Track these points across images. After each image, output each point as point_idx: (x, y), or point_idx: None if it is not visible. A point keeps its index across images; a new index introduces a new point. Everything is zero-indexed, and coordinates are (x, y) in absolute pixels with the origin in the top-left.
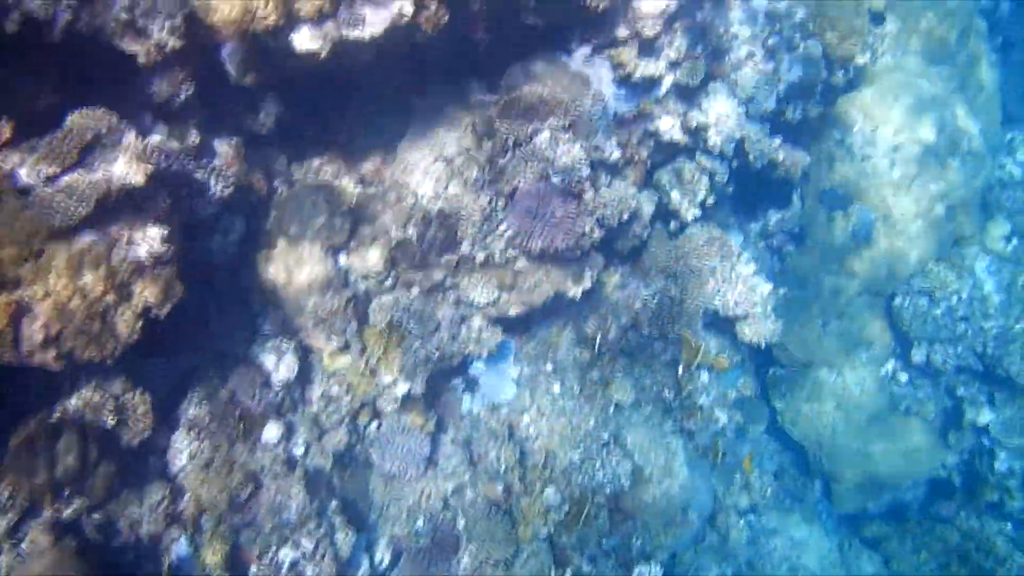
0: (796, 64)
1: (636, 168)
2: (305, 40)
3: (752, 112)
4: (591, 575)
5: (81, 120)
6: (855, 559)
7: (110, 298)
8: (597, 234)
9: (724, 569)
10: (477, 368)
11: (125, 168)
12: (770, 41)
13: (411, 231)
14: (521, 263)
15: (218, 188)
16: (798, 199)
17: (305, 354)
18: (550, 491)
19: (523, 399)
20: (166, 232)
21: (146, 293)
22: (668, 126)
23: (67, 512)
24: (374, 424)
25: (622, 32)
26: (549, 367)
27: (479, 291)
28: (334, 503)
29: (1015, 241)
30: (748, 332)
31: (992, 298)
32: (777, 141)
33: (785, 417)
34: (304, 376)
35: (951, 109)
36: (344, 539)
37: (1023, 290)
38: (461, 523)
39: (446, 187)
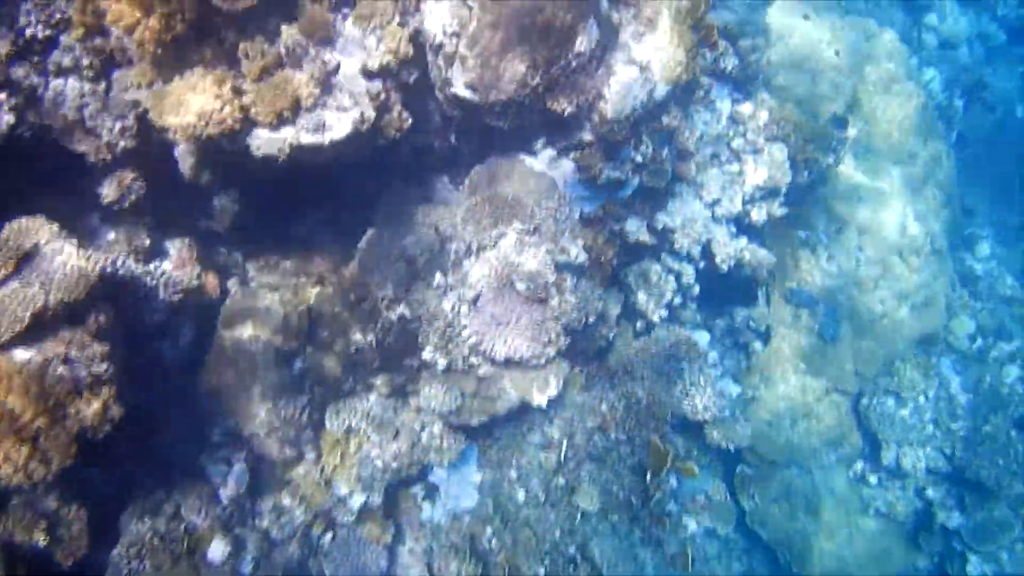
0: (761, 166)
1: (602, 268)
2: (263, 144)
3: (718, 215)
4: None
5: (18, 229)
6: None
7: (41, 422)
8: (563, 341)
9: None
10: (438, 475)
11: (64, 281)
12: (735, 143)
13: (370, 336)
14: (485, 369)
15: (167, 294)
16: (764, 297)
17: (257, 463)
18: None
19: (486, 507)
20: (106, 348)
21: (82, 415)
22: (634, 227)
23: None
24: (328, 536)
25: (587, 136)
26: (513, 473)
27: (441, 399)
28: None
29: (979, 340)
30: (717, 436)
31: (959, 398)
32: (743, 241)
33: (754, 518)
34: (255, 487)
35: (914, 208)
36: None
37: (989, 391)
38: None
39: (407, 289)
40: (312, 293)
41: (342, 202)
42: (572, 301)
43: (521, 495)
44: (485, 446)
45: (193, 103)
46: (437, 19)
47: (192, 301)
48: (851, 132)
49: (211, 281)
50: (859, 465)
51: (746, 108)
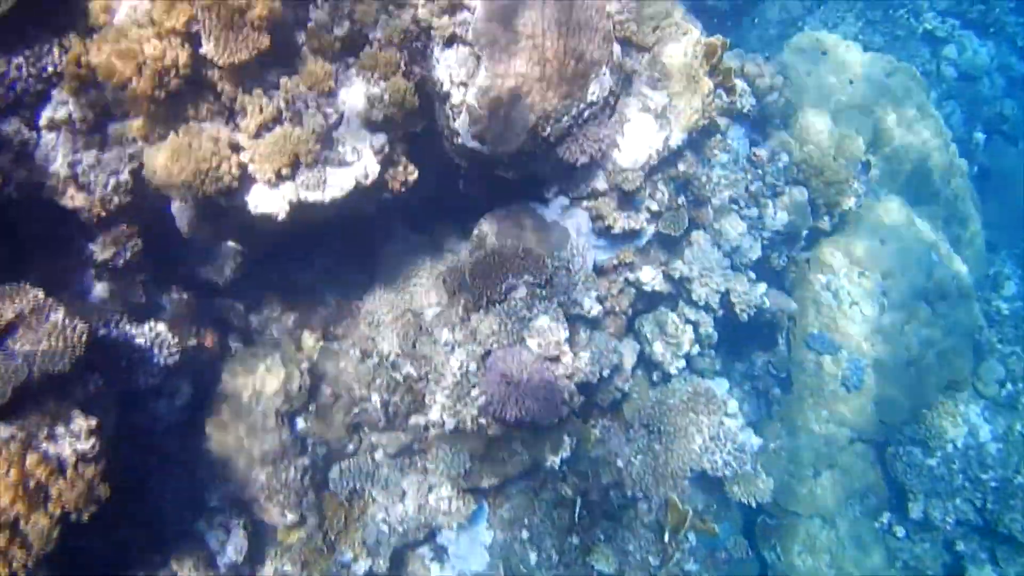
0: (781, 211)
1: (616, 319)
2: (261, 202)
3: (737, 262)
4: None
5: (1, 296)
6: None
7: (20, 508)
8: (577, 401)
9: None
10: (446, 536)
11: (50, 353)
12: (753, 187)
13: (375, 395)
14: (495, 429)
15: (162, 356)
16: (784, 342)
17: (256, 528)
18: None
19: (497, 570)
20: (93, 423)
21: (65, 497)
22: (650, 276)
23: None
24: None
25: (600, 184)
26: (525, 534)
27: (449, 460)
28: None
29: (1009, 386)
30: (738, 491)
31: (989, 447)
32: (763, 288)
33: (776, 572)
34: (255, 553)
35: (937, 250)
36: None
37: (1021, 439)
38: None
39: (414, 345)
40: (316, 348)
41: (347, 249)
42: (586, 357)
43: (533, 556)
44: (495, 504)
45: (188, 160)
46: (444, 68)
47: (190, 359)
48: (873, 173)
49: (210, 338)
50: (885, 517)
51: (764, 150)
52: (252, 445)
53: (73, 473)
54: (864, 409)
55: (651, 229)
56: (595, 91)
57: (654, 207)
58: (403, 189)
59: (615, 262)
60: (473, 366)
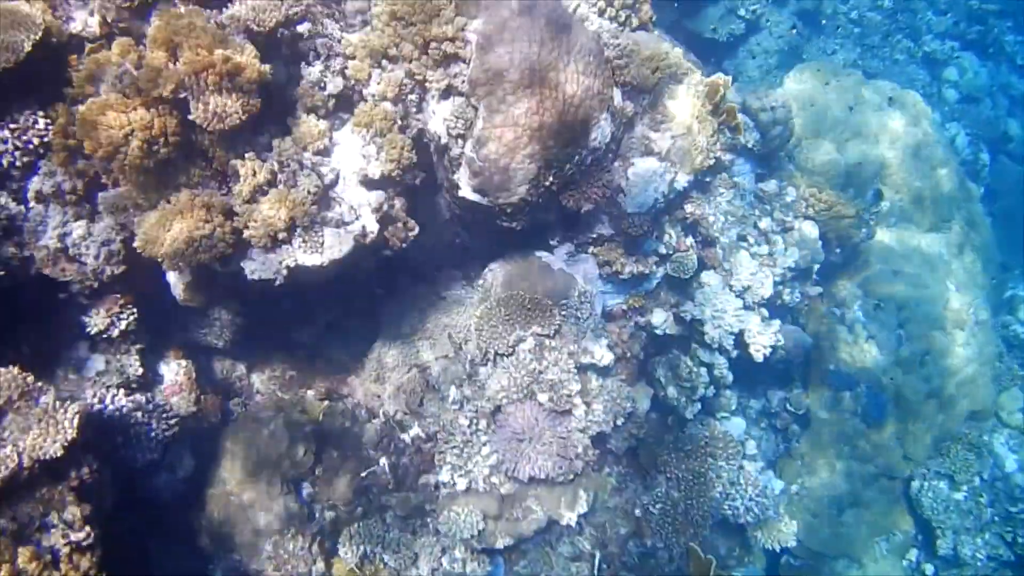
0: (791, 247)
1: (628, 364)
2: (257, 268)
3: (749, 301)
4: None
5: None
6: None
7: None
8: (591, 454)
9: None
10: None
11: (40, 439)
12: (762, 223)
13: (383, 458)
14: (508, 487)
15: (159, 430)
16: (800, 378)
17: None
18: None
19: None
20: (87, 510)
21: None
22: (661, 320)
23: None
24: None
25: (606, 230)
26: None
27: (462, 522)
28: None
29: None
30: (761, 537)
31: (1016, 478)
32: (776, 325)
33: None
34: None
35: (953, 277)
36: None
37: None
38: None
39: (421, 403)
40: (320, 409)
41: (349, 303)
42: (599, 408)
43: None
44: (512, 560)
45: (181, 229)
46: (440, 121)
47: (191, 427)
48: (884, 204)
49: (211, 404)
50: (913, 554)
51: (771, 185)
52: (256, 516)
53: (67, 566)
54: (886, 444)
55: (660, 272)
56: (596, 137)
57: (662, 250)
58: (403, 245)
59: (624, 307)
60: (483, 423)
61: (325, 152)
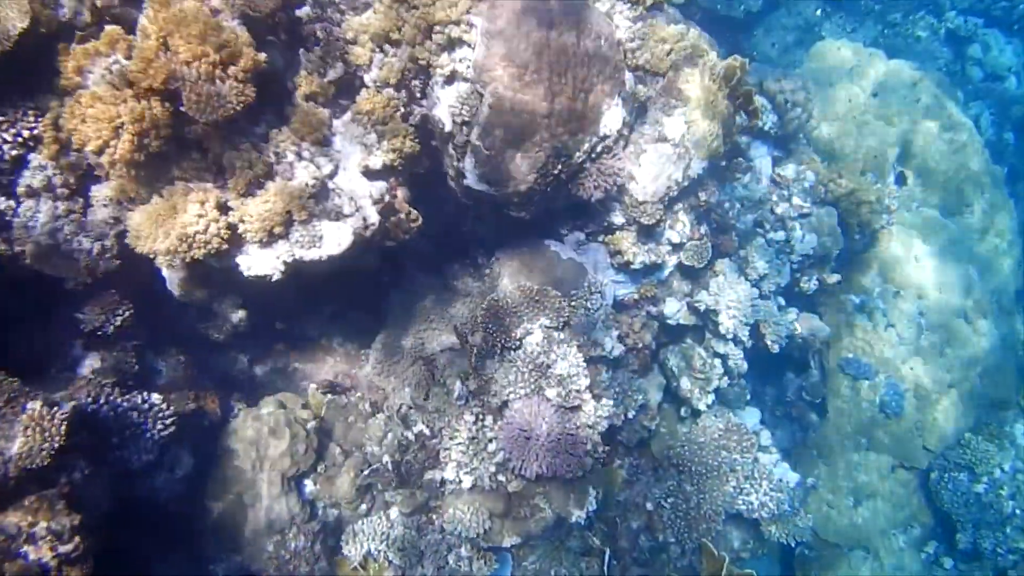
0: (809, 233)
1: (640, 354)
2: (254, 264)
3: (765, 290)
4: None
5: None
6: None
7: None
8: (601, 451)
9: None
10: None
11: (27, 447)
12: (779, 209)
13: (386, 456)
14: (515, 484)
15: (156, 431)
16: (817, 366)
17: None
18: None
19: None
20: (76, 520)
21: None
22: (674, 309)
23: None
24: None
25: (617, 218)
26: None
27: (467, 521)
28: None
29: None
30: (776, 531)
31: None
32: (793, 314)
33: None
34: None
35: (976, 264)
36: None
37: None
38: None
39: (426, 396)
40: (323, 403)
41: (354, 295)
42: (608, 404)
43: None
44: (520, 556)
45: (174, 225)
46: (445, 107)
47: (190, 425)
48: (907, 186)
49: (211, 401)
50: (931, 547)
51: (789, 170)
52: (258, 515)
53: None
54: (905, 435)
55: (673, 261)
56: (607, 124)
57: (675, 239)
58: (406, 237)
59: (636, 296)
60: (489, 419)
61: (324, 142)
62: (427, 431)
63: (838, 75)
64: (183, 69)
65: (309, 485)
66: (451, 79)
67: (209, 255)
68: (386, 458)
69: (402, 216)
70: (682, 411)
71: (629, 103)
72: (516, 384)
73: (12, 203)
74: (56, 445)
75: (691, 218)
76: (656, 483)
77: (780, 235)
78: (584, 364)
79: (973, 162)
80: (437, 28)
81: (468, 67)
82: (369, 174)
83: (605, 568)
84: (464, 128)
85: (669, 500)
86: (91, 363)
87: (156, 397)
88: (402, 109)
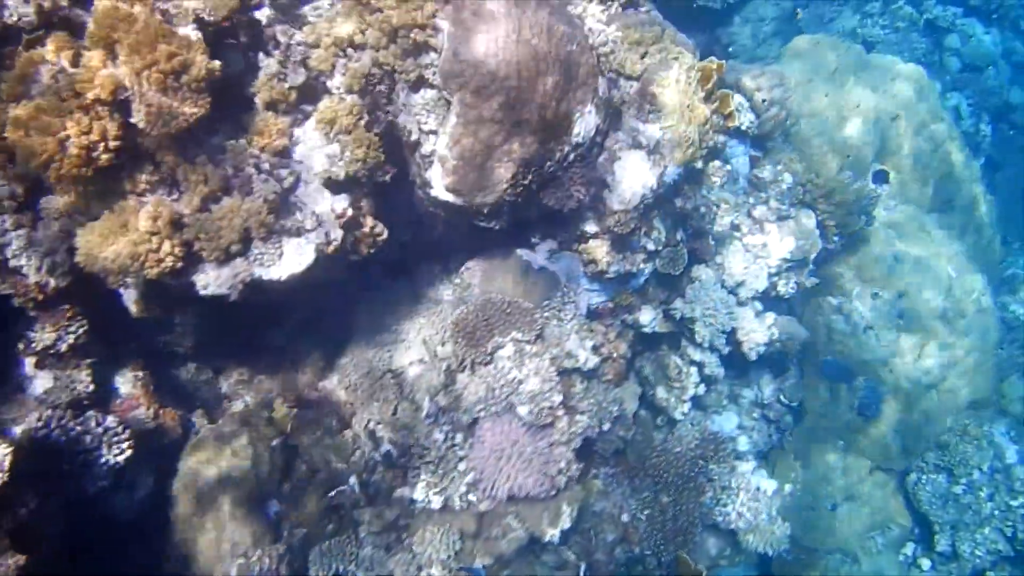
0: (787, 236)
1: (615, 364)
2: (210, 283)
3: (743, 297)
4: None
5: None
6: None
7: None
8: (575, 468)
9: None
10: None
11: None
12: (756, 211)
13: (353, 477)
14: (486, 504)
15: (111, 455)
16: (795, 369)
17: None
18: None
19: None
20: (22, 561)
21: None
22: (649, 318)
23: None
24: None
25: (591, 227)
26: None
27: (437, 543)
28: None
29: None
30: (753, 540)
31: (1016, 471)
32: (770, 319)
33: None
34: None
35: (954, 263)
36: None
37: None
38: None
39: (395, 412)
40: (289, 417)
41: (322, 302)
42: (583, 420)
43: None
44: (493, 571)
45: (125, 242)
46: (411, 115)
47: (149, 443)
48: (885, 186)
49: (171, 417)
50: (910, 548)
51: (766, 171)
52: (221, 536)
53: None
54: (883, 437)
55: (648, 268)
56: (580, 132)
57: (651, 246)
58: (372, 251)
59: (611, 305)
60: (459, 437)
61: (285, 152)
62: (394, 451)
63: (816, 71)
64: (132, 79)
65: (274, 504)
66: (417, 85)
67: (163, 274)
68: (352, 479)
69: (367, 230)
70: (658, 420)
71: (603, 109)
72: (487, 401)
73: None
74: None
75: (667, 224)
76: (632, 493)
77: (758, 239)
78: (557, 379)
79: (953, 158)
80: (402, 32)
81: (435, 73)
82: (332, 186)
83: None
84: (431, 137)
85: (645, 512)
86: (43, 383)
87: (111, 420)
88: (366, 117)
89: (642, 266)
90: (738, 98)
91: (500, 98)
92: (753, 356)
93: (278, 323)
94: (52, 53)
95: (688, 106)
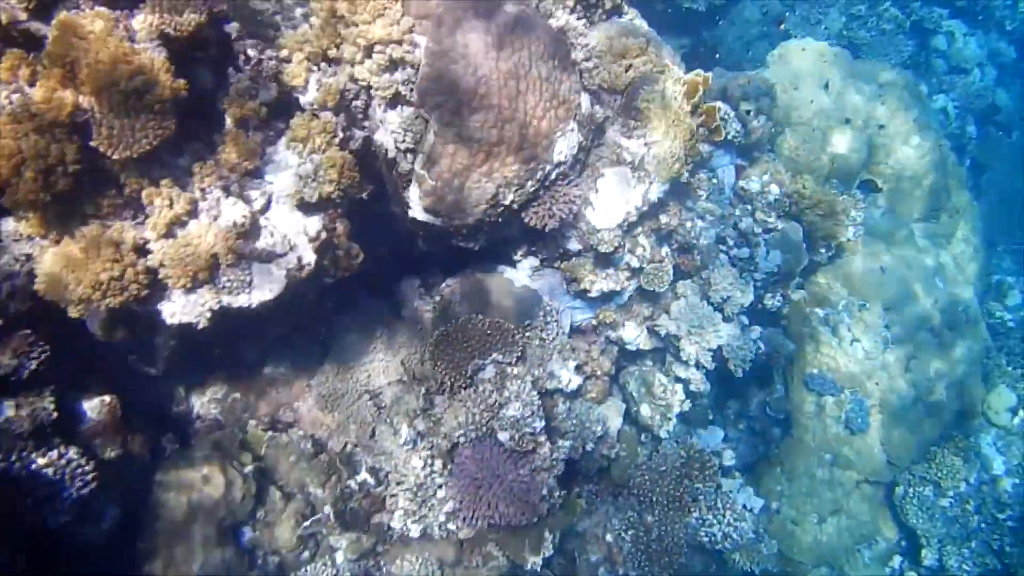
0: (774, 250)
1: (599, 381)
2: (177, 311)
3: (728, 313)
4: None
5: None
6: None
7: None
8: (557, 495)
9: None
10: None
11: None
12: (742, 224)
13: (328, 506)
14: (466, 531)
15: (75, 488)
16: (781, 382)
17: None
18: None
19: None
20: None
21: None
22: (634, 334)
23: None
24: None
25: (574, 245)
26: None
27: (416, 571)
28: None
29: (1021, 413)
30: (740, 559)
31: (1003, 483)
32: (756, 332)
33: None
34: None
35: (941, 274)
36: None
37: None
38: None
39: (372, 435)
40: (263, 440)
41: (298, 318)
42: (565, 445)
43: None
44: None
45: (86, 271)
46: (388, 132)
47: (117, 471)
48: (871, 195)
49: (139, 443)
50: (896, 561)
51: (753, 184)
52: (191, 568)
53: None
54: (870, 451)
55: (633, 285)
56: (562, 150)
57: (635, 263)
58: (347, 274)
59: (594, 322)
60: (438, 464)
61: (256, 173)
62: (371, 480)
63: (803, 78)
64: (91, 100)
65: (248, 532)
66: (394, 102)
67: (127, 302)
68: (327, 508)
69: (341, 253)
70: (643, 436)
71: (586, 126)
72: (467, 426)
73: None
74: None
75: (651, 241)
76: (616, 512)
77: (744, 252)
78: (539, 403)
79: (940, 166)
80: (378, 47)
81: (412, 90)
82: (305, 207)
83: None
84: (408, 155)
85: (629, 532)
86: (4, 412)
87: (74, 452)
88: (341, 134)
89: (626, 283)
90: (724, 107)
91: (479, 117)
92: (740, 373)
93: (253, 338)
94: (6, 72)
95: (674, 121)
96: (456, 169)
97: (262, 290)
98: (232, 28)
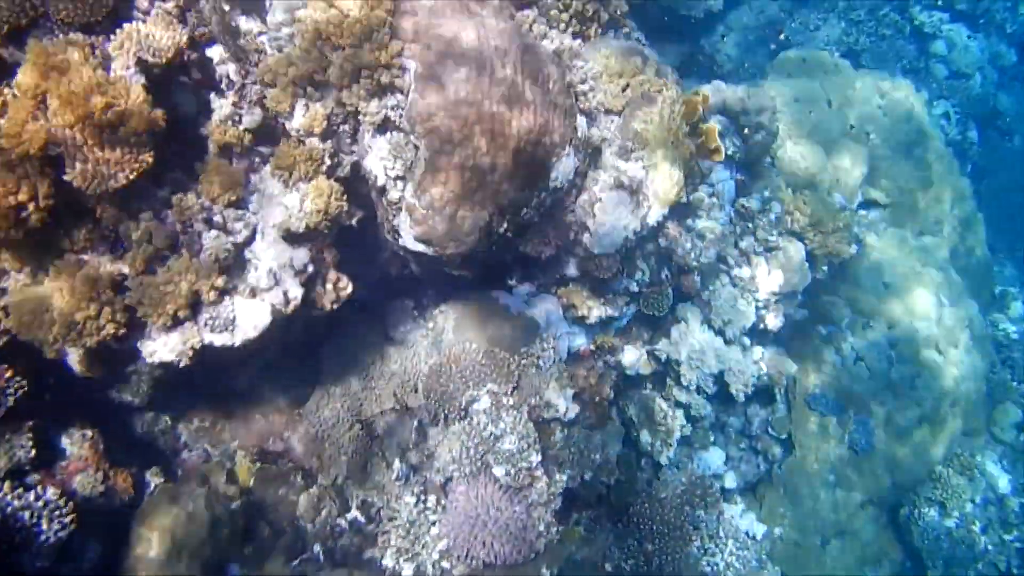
0: (775, 269)
1: (598, 409)
2: (158, 350)
3: (730, 335)
4: None
5: None
6: None
7: None
8: (555, 532)
9: None
10: None
11: None
12: (743, 243)
13: (318, 544)
14: (461, 568)
15: (52, 531)
16: (783, 401)
17: None
18: None
19: None
20: None
21: None
22: (633, 359)
23: None
24: None
25: (571, 271)
26: None
27: None
28: None
29: None
30: None
31: (1010, 502)
32: (758, 353)
33: None
34: None
35: (946, 290)
36: None
37: None
38: None
39: (364, 467)
40: (251, 472)
41: (287, 344)
42: (562, 479)
43: None
44: None
45: (62, 310)
46: (377, 159)
47: (99, 508)
48: (873, 210)
49: (122, 479)
50: None
51: (753, 202)
52: None
53: None
54: (874, 472)
55: (631, 310)
56: (557, 176)
57: (633, 287)
58: (334, 307)
59: (592, 347)
60: (432, 499)
61: (239, 203)
62: (362, 518)
63: (803, 89)
64: (64, 133)
65: (236, 568)
66: (383, 128)
67: (103, 341)
68: (317, 547)
69: (329, 286)
70: (643, 462)
71: (582, 151)
72: (461, 460)
73: None
74: None
75: (650, 264)
76: (616, 540)
77: (745, 272)
78: (535, 436)
79: (943, 178)
80: (365, 72)
81: (401, 116)
82: (291, 238)
83: None
84: (398, 183)
85: (629, 561)
86: None
87: (52, 492)
88: (328, 161)
89: (624, 308)
90: (723, 121)
91: (472, 142)
92: (741, 398)
93: (240, 365)
94: None
95: (673, 143)
96: (448, 197)
97: (246, 327)
98: (214, 52)
